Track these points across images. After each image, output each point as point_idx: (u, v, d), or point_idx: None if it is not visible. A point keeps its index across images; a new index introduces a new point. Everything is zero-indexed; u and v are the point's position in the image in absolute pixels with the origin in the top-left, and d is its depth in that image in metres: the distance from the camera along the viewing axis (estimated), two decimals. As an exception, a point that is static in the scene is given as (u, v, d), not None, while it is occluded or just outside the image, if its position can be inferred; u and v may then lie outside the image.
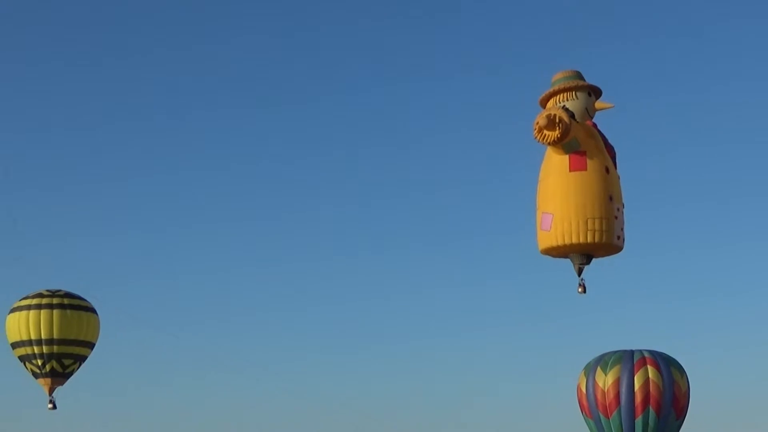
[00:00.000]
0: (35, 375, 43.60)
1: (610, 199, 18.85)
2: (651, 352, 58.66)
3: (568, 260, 19.56)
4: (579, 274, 19.53)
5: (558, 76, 19.72)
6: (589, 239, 18.61)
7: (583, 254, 19.25)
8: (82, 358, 44.49)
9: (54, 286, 45.03)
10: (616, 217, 18.92)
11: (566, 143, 18.54)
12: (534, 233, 19.55)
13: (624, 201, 19.53)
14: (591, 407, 58.35)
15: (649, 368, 56.82)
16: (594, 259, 19.53)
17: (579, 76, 19.59)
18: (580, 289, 19.64)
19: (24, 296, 44.36)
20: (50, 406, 43.89)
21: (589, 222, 18.56)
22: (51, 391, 43.44)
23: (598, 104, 19.33)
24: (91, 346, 45.22)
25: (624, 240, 19.41)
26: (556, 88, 19.44)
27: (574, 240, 18.68)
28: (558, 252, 19.41)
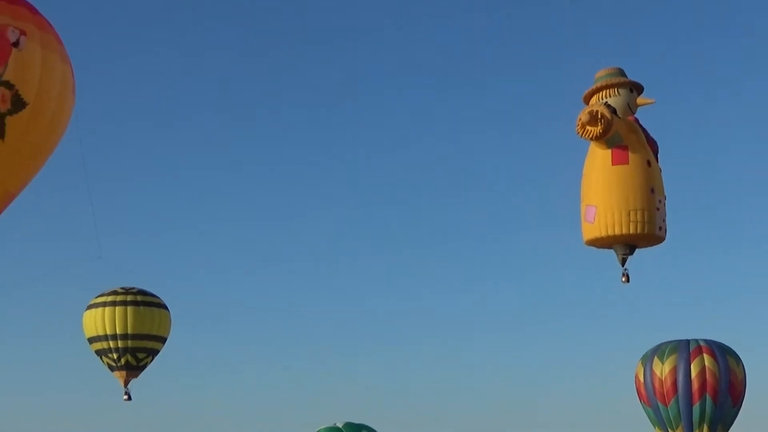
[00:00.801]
0: (111, 368, 44.80)
1: (652, 191, 18.92)
2: (707, 341, 58.26)
3: (612, 251, 19.59)
4: (623, 264, 19.53)
5: (601, 73, 19.78)
6: (632, 230, 18.72)
7: (626, 245, 19.30)
8: (154, 352, 45.60)
9: (128, 284, 46.43)
10: (657, 209, 18.99)
11: (608, 138, 18.65)
12: (579, 225, 19.64)
13: (666, 193, 19.55)
14: (649, 396, 58.17)
15: (705, 357, 56.51)
16: (637, 250, 19.54)
17: (621, 73, 19.66)
18: (623, 279, 19.68)
19: (100, 294, 45.59)
20: (125, 397, 45.06)
21: (632, 214, 18.68)
22: (126, 383, 44.56)
23: (639, 100, 19.39)
24: (163, 340, 46.30)
25: (666, 231, 19.45)
26: (598, 84, 19.51)
27: (617, 231, 18.79)
28: (602, 243, 19.49)
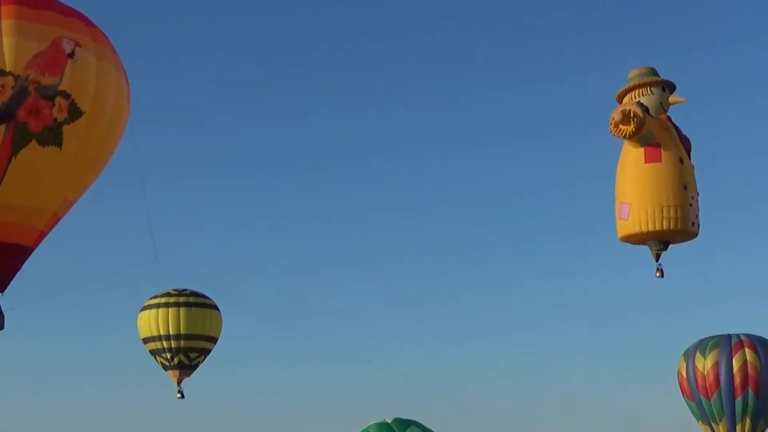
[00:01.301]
0: (165, 367, 45.49)
1: (685, 188, 18.97)
2: (748, 335, 57.88)
3: (647, 247, 19.62)
4: (657, 260, 19.60)
5: (633, 73, 19.85)
6: (665, 226, 18.79)
7: (659, 241, 19.36)
8: (206, 352, 46.22)
9: (182, 286, 47.09)
10: (690, 205, 19.05)
11: (641, 136, 18.75)
12: (614, 222, 19.77)
13: (699, 189, 19.61)
14: (692, 390, 57.90)
15: (747, 351, 56.15)
16: (671, 245, 19.62)
17: (653, 72, 19.70)
18: (657, 274, 19.71)
19: (153, 295, 46.33)
20: (179, 395, 45.75)
21: (665, 210, 18.75)
22: (179, 381, 45.19)
23: (671, 98, 19.41)
24: (214, 340, 46.95)
25: (699, 226, 19.49)
26: (631, 84, 19.57)
27: (651, 227, 18.88)
28: (636, 239, 19.54)
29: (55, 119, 21.45)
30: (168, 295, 45.74)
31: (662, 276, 19.79)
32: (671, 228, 18.91)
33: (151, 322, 45.13)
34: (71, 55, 21.65)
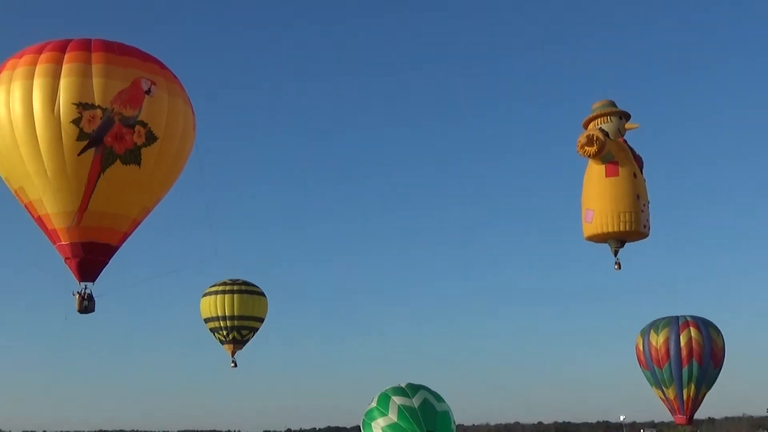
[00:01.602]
0: (221, 342, 45.82)
1: (638, 197, 18.99)
2: (692, 317, 57.67)
3: (607, 245, 19.59)
4: (615, 255, 19.52)
5: (596, 104, 19.92)
6: (621, 228, 18.83)
7: (617, 240, 19.33)
8: (255, 330, 46.59)
9: (237, 276, 46.67)
10: (642, 211, 19.04)
11: (602, 156, 18.84)
12: (580, 225, 19.76)
13: (649, 198, 19.61)
14: (647, 361, 57.65)
15: (692, 329, 55.90)
16: (627, 244, 19.56)
17: (613, 104, 19.76)
18: (616, 267, 19.62)
19: (212, 284, 46.58)
20: (232, 365, 46.16)
21: (621, 215, 18.79)
22: (233, 353, 45.57)
23: (627, 125, 19.46)
24: (261, 320, 47.30)
25: (650, 228, 19.49)
26: (595, 113, 19.65)
27: (610, 229, 18.90)
28: (598, 239, 19.45)
29: (135, 143, 21.84)
30: (224, 284, 46.28)
31: (620, 268, 19.68)
32: (626, 229, 18.90)
33: (210, 305, 45.56)
34: (148, 92, 22.04)
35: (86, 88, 21.44)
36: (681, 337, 56.38)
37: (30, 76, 21.62)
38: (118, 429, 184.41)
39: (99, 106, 21.38)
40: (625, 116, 19.63)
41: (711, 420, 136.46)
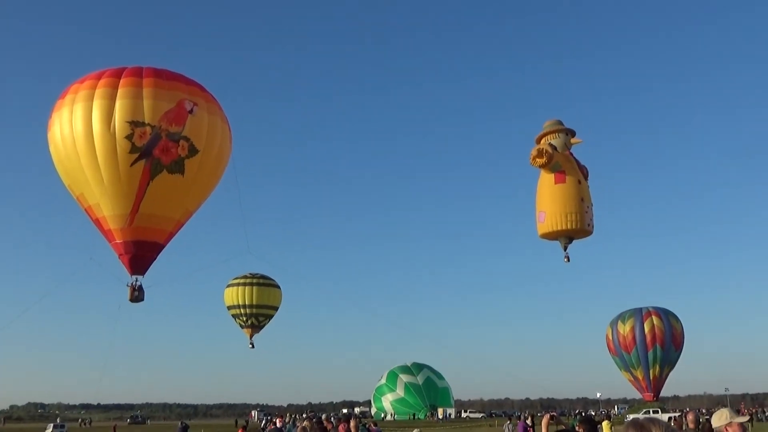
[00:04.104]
0: (241, 326, 49.22)
1: (582, 200, 19.77)
2: (654, 307, 61.36)
3: (557, 242, 20.19)
4: (565, 250, 20.12)
5: (547, 123, 20.66)
6: (569, 226, 19.59)
7: (566, 237, 19.98)
8: (270, 317, 50.05)
9: (264, 270, 51.28)
10: (586, 212, 19.80)
11: (551, 166, 19.73)
12: (534, 225, 20.36)
13: (593, 201, 20.36)
14: (616, 348, 61.15)
15: (654, 318, 59.57)
16: (574, 241, 20.21)
17: (560, 123, 20.59)
18: (565, 260, 20.22)
19: (234, 277, 49.98)
20: (251, 346, 49.92)
21: (568, 215, 19.58)
22: (251, 336, 49.23)
23: (573, 140, 20.33)
24: (276, 309, 50.70)
25: (594, 227, 20.23)
26: (545, 131, 20.45)
27: (559, 227, 19.67)
28: (550, 236, 20.12)
29: (180, 155, 23.26)
30: (245, 277, 49.88)
31: (569, 261, 20.25)
32: (573, 228, 19.56)
33: (232, 295, 49.21)
34: (190, 111, 23.49)
35: (138, 109, 22.70)
36: (645, 325, 59.89)
37: (90, 99, 22.88)
38: (161, 402, 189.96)
39: (148, 124, 22.66)
40: (570, 133, 20.31)
41: (676, 397, 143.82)
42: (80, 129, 22.88)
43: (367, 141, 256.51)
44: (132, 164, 22.85)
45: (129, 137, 22.63)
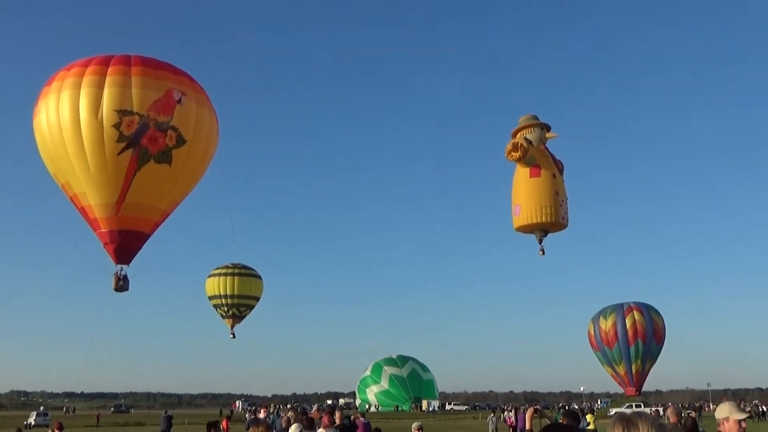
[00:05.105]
0: (222, 317, 49.85)
1: (557, 194, 20.17)
2: (635, 302, 62.52)
3: (533, 235, 20.54)
4: (540, 243, 20.47)
5: (522, 118, 21.11)
6: (543, 219, 19.97)
7: (541, 230, 20.34)
8: (251, 307, 50.74)
9: (249, 262, 51.99)
10: (561, 206, 20.19)
11: (526, 160, 20.13)
12: (510, 218, 20.77)
13: (568, 195, 20.71)
14: (598, 343, 62.30)
15: (635, 313, 60.73)
16: (549, 234, 20.56)
17: (536, 117, 21.02)
18: (540, 253, 20.47)
19: (216, 267, 50.57)
20: (231, 336, 50.41)
21: (543, 208, 20.01)
22: (232, 327, 49.83)
23: (548, 135, 20.71)
24: (257, 299, 51.38)
25: (568, 220, 20.62)
26: (521, 125, 20.85)
27: (534, 220, 20.01)
28: (525, 229, 20.44)
29: (167, 145, 23.38)
30: (226, 267, 50.48)
31: (543, 254, 20.51)
32: (547, 221, 19.92)
33: (214, 285, 49.77)
34: (179, 101, 23.58)
35: (126, 97, 22.71)
36: (626, 320, 61.03)
37: (78, 86, 22.85)
38: (145, 391, 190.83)
39: (137, 113, 22.69)
40: (546, 127, 20.62)
41: (659, 392, 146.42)
42: (67, 117, 22.92)
43: (356, 132, 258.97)
44: (119, 153, 22.93)
45: (116, 126, 22.72)
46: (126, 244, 24.57)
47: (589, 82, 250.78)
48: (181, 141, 23.77)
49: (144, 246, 25.36)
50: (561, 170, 21.01)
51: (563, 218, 20.45)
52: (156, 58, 24.66)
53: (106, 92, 22.76)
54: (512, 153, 20.27)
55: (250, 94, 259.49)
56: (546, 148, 20.92)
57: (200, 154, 24.91)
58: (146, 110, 22.90)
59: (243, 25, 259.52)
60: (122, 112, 22.72)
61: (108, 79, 22.90)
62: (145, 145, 23.05)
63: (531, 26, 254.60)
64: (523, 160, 20.25)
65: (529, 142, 20.44)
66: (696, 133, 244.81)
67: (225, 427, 27.31)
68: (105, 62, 23.46)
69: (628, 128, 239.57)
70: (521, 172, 20.67)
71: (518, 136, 20.85)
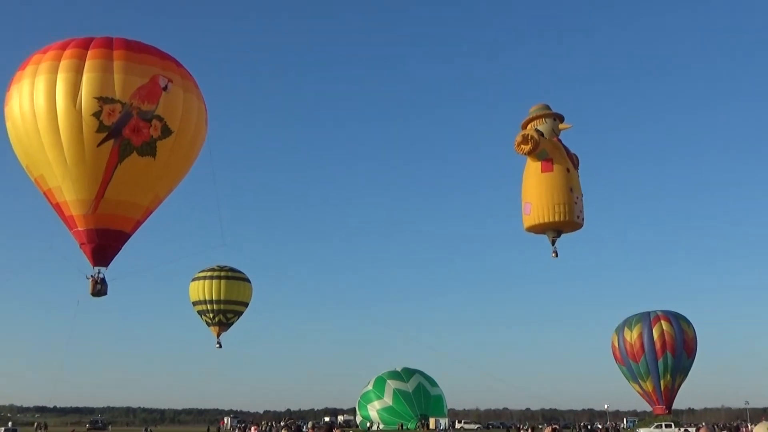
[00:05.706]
0: (208, 324, 50.62)
1: (571, 190, 20.44)
2: (663, 311, 63.17)
3: (545, 235, 20.86)
4: (553, 245, 20.75)
5: (533, 108, 21.46)
6: (556, 218, 20.26)
7: (554, 230, 20.62)
8: (239, 313, 51.40)
9: (238, 263, 52.77)
10: (575, 203, 20.45)
11: (537, 153, 20.49)
12: (520, 216, 21.13)
13: (583, 191, 21.01)
14: (623, 356, 63.11)
15: (663, 323, 61.47)
16: (563, 234, 20.87)
17: (547, 107, 21.41)
18: (553, 255, 20.77)
19: (201, 270, 51.29)
20: (218, 345, 50.81)
21: (556, 206, 20.29)
22: (218, 335, 50.30)
23: (561, 126, 21.09)
24: (246, 305, 52.16)
25: (584, 219, 20.84)
26: (531, 116, 21.23)
27: (547, 219, 20.32)
28: (537, 229, 20.75)
29: (152, 136, 23.50)
30: (212, 270, 51.19)
31: (557, 256, 20.78)
32: (561, 220, 20.22)
33: (198, 290, 50.44)
34: (165, 88, 23.72)
35: (107, 84, 22.70)
36: (653, 330, 61.73)
37: (54, 71, 22.84)
38: (124, 405, 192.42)
39: (119, 101, 22.70)
40: (558, 118, 21.02)
41: (691, 411, 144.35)
42: (42, 104, 23.00)
43: (354, 127, 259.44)
44: (99, 144, 23.01)
45: (96, 115, 22.80)
46: (104, 244, 24.65)
47: (615, 69, 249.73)
48: (166, 132, 23.93)
49: (124, 246, 25.44)
50: (576, 165, 21.30)
51: (578, 217, 20.68)
52: (140, 41, 24.79)
53: (86, 78, 22.85)
54: (522, 145, 20.54)
55: (244, 80, 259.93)
56: (559, 141, 21.23)
57: (187, 145, 25.08)
58: (129, 98, 23.03)
59: (234, 10, 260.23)
60: (103, 100, 22.80)
61: (87, 64, 22.98)
62: (127, 136, 23.16)
63: (545, 7, 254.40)
64: (534, 153, 20.53)
65: (541, 133, 20.70)
66: (735, 126, 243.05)
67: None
68: (84, 45, 23.58)
69: (652, 118, 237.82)
70: (532, 167, 20.93)
71: (529, 127, 21.09)
